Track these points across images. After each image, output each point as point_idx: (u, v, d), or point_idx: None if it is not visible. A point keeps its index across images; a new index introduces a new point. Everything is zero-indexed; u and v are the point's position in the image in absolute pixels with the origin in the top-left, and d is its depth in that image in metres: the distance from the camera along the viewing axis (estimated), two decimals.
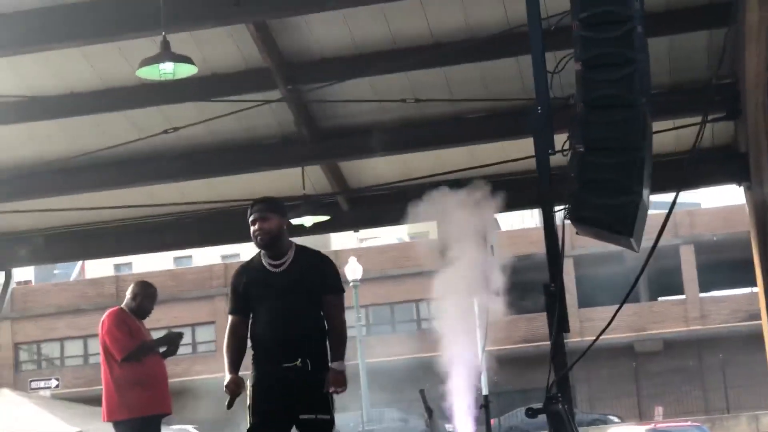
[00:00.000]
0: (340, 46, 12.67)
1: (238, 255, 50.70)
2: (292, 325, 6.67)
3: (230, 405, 6.71)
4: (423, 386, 13.42)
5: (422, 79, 13.23)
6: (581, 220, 6.98)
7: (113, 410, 8.76)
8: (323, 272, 6.83)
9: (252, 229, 6.80)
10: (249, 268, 6.91)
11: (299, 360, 6.63)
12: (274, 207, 6.93)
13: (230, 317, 6.88)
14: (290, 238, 6.94)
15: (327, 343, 6.74)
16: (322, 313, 6.77)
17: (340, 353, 6.72)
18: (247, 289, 6.82)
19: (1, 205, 15.49)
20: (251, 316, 6.84)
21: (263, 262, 6.84)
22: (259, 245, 6.82)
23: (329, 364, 6.71)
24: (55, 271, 79.15)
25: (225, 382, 6.68)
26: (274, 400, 6.64)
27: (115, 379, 8.73)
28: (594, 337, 7.19)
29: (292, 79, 12.92)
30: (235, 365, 6.75)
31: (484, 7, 11.99)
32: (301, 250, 6.86)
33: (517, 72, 12.90)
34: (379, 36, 12.48)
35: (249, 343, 6.81)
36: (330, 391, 6.68)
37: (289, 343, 6.64)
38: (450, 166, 14.80)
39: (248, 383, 6.72)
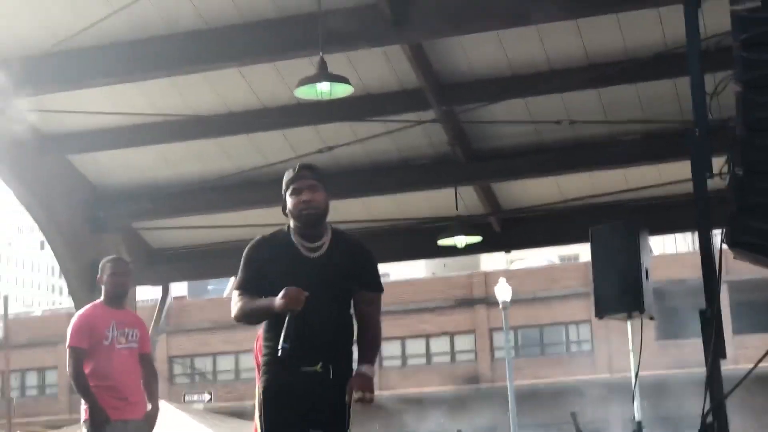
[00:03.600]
0: (495, 67, 12.67)
1: (388, 275, 51.01)
2: (320, 322, 5.51)
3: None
4: (573, 409, 13.23)
5: (577, 101, 13.15)
6: (740, 244, 6.84)
7: None
8: (364, 264, 5.73)
9: (296, 199, 5.60)
10: (274, 244, 5.66)
11: (320, 364, 5.53)
12: (324, 177, 5.72)
13: (236, 293, 5.71)
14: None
15: (351, 347, 5.73)
16: (351, 311, 5.74)
17: (371, 357, 5.63)
18: (267, 268, 5.61)
19: (161, 221, 15.91)
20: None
21: (294, 240, 5.64)
22: (305, 222, 5.61)
23: (358, 367, 5.58)
24: (209, 287, 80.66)
25: (280, 300, 5.42)
26: (288, 411, 5.55)
27: None
28: (750, 365, 7.03)
29: (446, 99, 12.97)
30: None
31: (641, 28, 11.86)
32: (339, 234, 5.72)
33: (674, 93, 12.74)
34: (534, 57, 12.45)
35: (264, 341, 5.73)
36: (356, 399, 5.49)
37: (313, 343, 5.49)
38: (604, 189, 14.70)
39: (257, 391, 5.69)
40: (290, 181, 5.64)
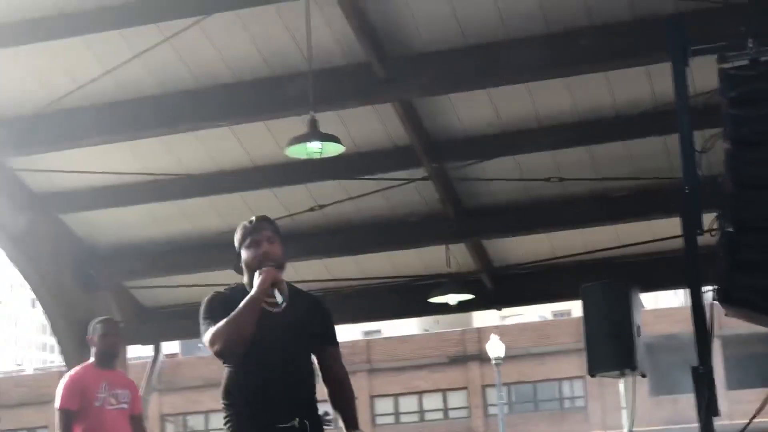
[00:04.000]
0: (485, 124, 12.72)
1: (379, 331, 50.89)
2: (292, 376, 5.24)
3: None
4: None
5: (567, 158, 13.20)
6: (732, 301, 6.86)
7: None
8: (323, 319, 5.47)
9: (254, 252, 5.36)
10: (232, 300, 5.32)
11: (297, 420, 5.20)
12: (279, 231, 5.51)
13: (208, 329, 5.32)
14: None
15: (316, 399, 5.40)
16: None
17: (356, 419, 5.38)
18: None
19: (152, 280, 15.88)
20: (229, 361, 5.36)
21: None
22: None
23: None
24: (200, 345, 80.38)
25: (258, 283, 5.23)
26: None
27: None
28: (745, 421, 7.02)
29: (437, 157, 13.01)
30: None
31: (630, 85, 11.94)
32: (294, 289, 5.44)
33: (664, 150, 12.79)
34: (524, 114, 12.51)
35: (223, 400, 5.43)
36: None
37: (286, 397, 5.20)
38: (595, 245, 14.70)
39: None
40: (248, 233, 5.40)
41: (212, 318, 5.29)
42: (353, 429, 5.31)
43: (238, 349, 5.21)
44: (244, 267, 5.42)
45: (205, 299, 5.43)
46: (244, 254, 5.43)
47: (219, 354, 5.25)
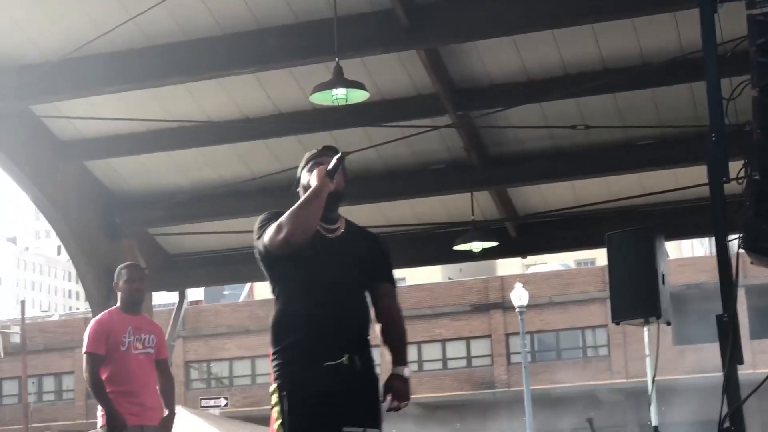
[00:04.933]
0: (511, 72, 12.67)
1: (403, 279, 50.99)
2: (343, 308, 5.01)
3: None
4: (590, 414, 13.20)
5: (593, 106, 13.15)
6: (757, 249, 6.83)
7: None
8: (382, 255, 5.27)
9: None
10: None
11: (346, 356, 4.98)
12: (344, 162, 5.18)
13: (272, 221, 5.03)
14: None
15: (368, 335, 5.16)
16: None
17: (405, 356, 5.18)
18: None
19: (176, 227, 15.95)
20: (276, 289, 5.07)
21: None
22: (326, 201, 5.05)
23: (396, 368, 5.10)
24: (225, 292, 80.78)
25: (318, 178, 4.98)
26: (318, 412, 4.93)
27: None
28: None
29: (462, 105, 12.97)
30: None
31: (657, 32, 11.86)
32: (352, 223, 5.25)
33: (690, 98, 12.72)
34: (550, 62, 12.44)
35: (271, 335, 5.09)
36: (393, 406, 5.07)
37: (337, 331, 4.96)
38: (620, 193, 14.68)
39: (275, 394, 4.99)
40: (312, 158, 5.19)
41: (274, 218, 5.03)
42: (401, 365, 5.10)
43: (303, 237, 4.92)
44: (301, 191, 5.16)
45: (263, 214, 5.17)
46: (304, 177, 5.19)
47: (284, 241, 4.92)
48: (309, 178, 5.08)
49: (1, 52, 12.22)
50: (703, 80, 7.25)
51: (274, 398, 4.98)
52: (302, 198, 4.98)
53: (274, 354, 5.03)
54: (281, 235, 4.93)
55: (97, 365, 7.92)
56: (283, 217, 4.94)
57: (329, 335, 4.96)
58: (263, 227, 5.07)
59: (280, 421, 4.95)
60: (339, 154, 5.09)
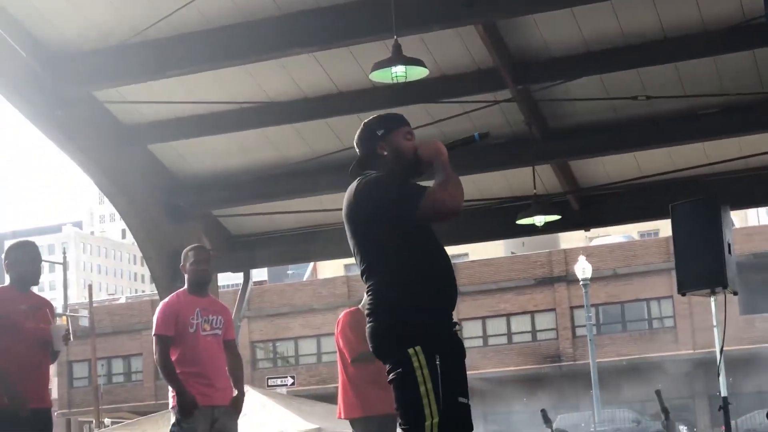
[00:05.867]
0: (570, 44, 12.59)
1: (466, 254, 50.96)
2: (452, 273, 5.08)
3: None
4: (657, 386, 13.12)
5: (654, 76, 13.03)
6: None
7: (349, 408, 8.90)
8: None
9: (411, 143, 5.13)
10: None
11: (459, 325, 5.03)
12: None
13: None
14: None
15: None
16: None
17: None
18: None
19: (239, 208, 16.05)
20: (405, 253, 4.92)
21: None
22: (423, 169, 5.16)
23: None
24: (289, 272, 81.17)
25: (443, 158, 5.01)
26: (461, 384, 4.88)
27: (350, 377, 8.86)
28: None
29: (522, 78, 12.92)
30: None
31: None
32: None
33: (753, 65, 12.56)
34: (610, 32, 12.35)
35: (406, 302, 4.87)
36: None
37: (455, 300, 5.03)
38: (683, 164, 14.57)
39: (419, 356, 4.77)
40: (406, 123, 5.17)
41: (416, 188, 4.96)
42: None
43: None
44: (393, 150, 5.11)
45: (390, 180, 4.98)
46: (396, 141, 5.12)
47: (454, 211, 4.94)
48: (429, 149, 5.01)
49: (64, 39, 12.36)
50: (766, 46, 7.18)
51: (418, 360, 4.77)
52: (451, 174, 4.95)
53: (409, 314, 4.84)
54: (453, 205, 4.92)
55: (166, 347, 8.00)
56: (455, 189, 4.90)
57: (454, 303, 4.98)
58: (414, 194, 4.92)
59: (428, 385, 4.76)
60: (470, 137, 5.09)
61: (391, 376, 4.89)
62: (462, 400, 4.83)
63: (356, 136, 5.33)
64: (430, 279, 4.92)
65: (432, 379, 4.76)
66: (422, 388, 4.76)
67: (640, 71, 12.94)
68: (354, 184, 5.09)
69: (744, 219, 54.45)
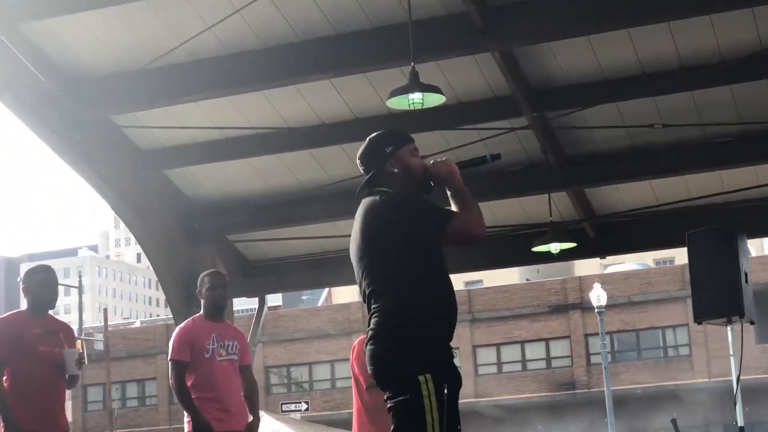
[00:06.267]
0: (586, 72, 12.60)
1: (481, 281, 50.91)
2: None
3: None
4: (672, 414, 13.06)
5: (670, 104, 13.03)
6: None
7: None
8: None
9: (420, 160, 5.16)
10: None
11: (455, 355, 4.99)
12: None
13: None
14: None
15: None
16: None
17: None
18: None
19: (255, 233, 16.06)
20: (414, 274, 4.86)
21: None
22: (431, 186, 5.16)
23: None
24: (303, 297, 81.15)
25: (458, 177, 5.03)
26: (456, 414, 4.83)
27: (365, 404, 8.84)
28: None
29: (538, 106, 12.93)
30: None
31: (734, 28, 11.72)
32: None
33: None
34: (626, 61, 12.36)
35: (405, 329, 4.80)
36: None
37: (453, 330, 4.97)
38: (699, 192, 14.55)
39: (428, 384, 4.69)
40: (412, 140, 5.13)
41: (443, 209, 4.95)
42: None
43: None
44: (402, 167, 5.07)
45: (406, 197, 4.94)
46: (406, 159, 5.09)
47: (482, 239, 5.00)
48: (441, 168, 5.00)
49: (81, 63, 12.42)
50: None
51: (427, 388, 4.69)
52: (473, 199, 4.98)
53: (419, 340, 4.76)
54: (482, 231, 4.97)
55: (182, 372, 8.02)
56: (480, 216, 4.95)
57: (452, 333, 4.90)
58: (443, 217, 4.92)
59: (435, 414, 4.67)
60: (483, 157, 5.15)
61: (391, 403, 4.79)
62: (459, 428, 4.81)
63: (360, 153, 5.23)
64: (438, 305, 4.85)
65: (439, 408, 4.67)
66: (429, 417, 4.67)
67: (657, 99, 12.94)
68: (369, 200, 5.00)
69: (760, 248, 54.29)
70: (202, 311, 8.28)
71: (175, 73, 12.11)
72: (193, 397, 7.97)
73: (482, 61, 12.35)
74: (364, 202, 5.01)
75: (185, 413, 8.06)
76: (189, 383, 8.02)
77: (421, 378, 4.69)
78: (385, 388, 4.83)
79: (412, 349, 4.75)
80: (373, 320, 4.86)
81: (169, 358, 8.14)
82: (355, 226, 5.03)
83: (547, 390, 44.29)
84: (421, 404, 4.67)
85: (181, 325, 8.31)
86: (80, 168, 13.61)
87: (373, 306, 4.88)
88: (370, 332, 4.87)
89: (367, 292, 4.91)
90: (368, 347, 4.85)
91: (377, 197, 4.97)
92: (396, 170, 5.06)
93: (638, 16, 11.17)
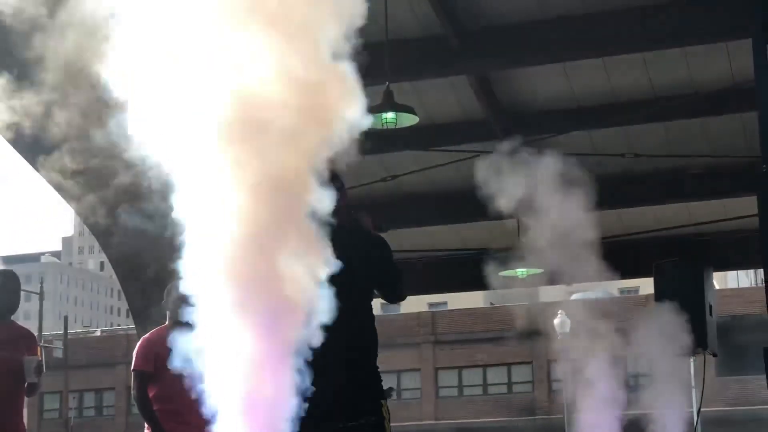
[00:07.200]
0: (560, 99, 12.67)
1: (445, 303, 50.90)
2: None
3: None
4: None
5: (642, 134, 13.11)
6: None
7: None
8: None
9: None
10: None
11: None
12: None
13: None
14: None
15: None
16: None
17: None
18: None
19: None
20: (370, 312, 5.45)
21: None
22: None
23: None
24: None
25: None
26: None
27: None
28: None
29: (510, 130, 12.96)
30: None
31: (708, 62, 11.82)
32: None
33: (740, 128, 12.66)
34: (600, 89, 12.43)
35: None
36: None
37: None
38: (667, 223, 14.62)
39: (387, 409, 5.12)
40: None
41: None
42: None
43: None
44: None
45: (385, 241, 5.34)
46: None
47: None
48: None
49: None
50: (755, 111, 7.21)
51: (388, 412, 5.04)
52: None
53: (375, 367, 5.14)
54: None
55: (145, 383, 7.94)
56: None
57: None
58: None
59: None
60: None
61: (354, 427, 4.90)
62: None
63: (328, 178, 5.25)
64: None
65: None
66: None
67: (629, 129, 13.02)
68: (360, 227, 5.27)
69: (723, 281, 54.55)
70: (167, 322, 8.22)
71: None
72: (154, 408, 7.90)
73: (457, 83, 12.39)
74: (354, 227, 5.30)
75: (145, 425, 7.98)
76: (151, 394, 7.95)
77: (383, 402, 5.02)
78: (351, 416, 4.97)
79: (375, 374, 5.16)
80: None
81: (132, 368, 8.07)
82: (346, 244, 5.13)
83: (507, 414, 44.29)
84: (382, 428, 4.97)
85: (146, 335, 8.24)
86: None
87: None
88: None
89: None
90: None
91: (370, 232, 5.49)
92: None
93: (613, 47, 11.24)
